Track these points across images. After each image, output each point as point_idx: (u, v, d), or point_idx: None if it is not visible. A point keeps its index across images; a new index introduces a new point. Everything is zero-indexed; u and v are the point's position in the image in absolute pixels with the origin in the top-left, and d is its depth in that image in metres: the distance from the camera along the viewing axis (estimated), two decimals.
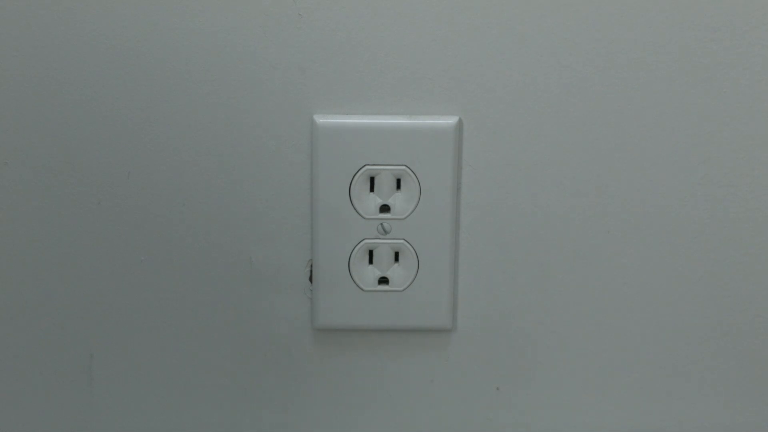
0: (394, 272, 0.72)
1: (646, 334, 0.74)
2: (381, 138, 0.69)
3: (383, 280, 0.73)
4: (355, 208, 0.71)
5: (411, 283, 0.72)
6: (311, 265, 0.72)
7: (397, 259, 0.72)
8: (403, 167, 0.70)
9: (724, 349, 0.74)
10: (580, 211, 0.72)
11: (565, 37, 0.68)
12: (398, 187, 0.71)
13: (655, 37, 0.68)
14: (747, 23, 0.68)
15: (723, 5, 0.67)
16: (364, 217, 0.71)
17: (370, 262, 0.72)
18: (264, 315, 0.74)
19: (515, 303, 0.74)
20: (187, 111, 0.70)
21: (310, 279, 0.73)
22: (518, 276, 0.73)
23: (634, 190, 0.71)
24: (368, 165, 0.70)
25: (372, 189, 0.71)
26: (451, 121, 0.69)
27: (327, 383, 0.75)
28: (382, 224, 0.71)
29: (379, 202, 0.71)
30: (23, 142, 0.70)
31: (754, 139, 0.70)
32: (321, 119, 0.69)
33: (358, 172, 0.70)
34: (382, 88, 0.69)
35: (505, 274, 0.73)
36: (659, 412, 0.76)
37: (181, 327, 0.74)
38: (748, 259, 0.72)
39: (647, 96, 0.69)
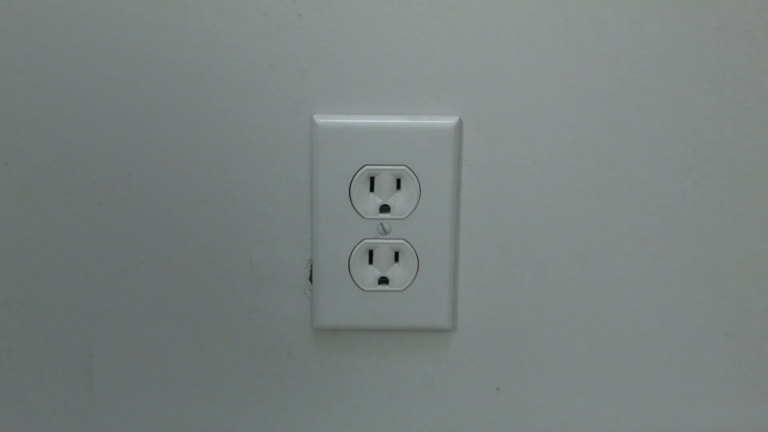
0: (394, 272, 0.72)
1: (646, 334, 0.74)
2: (381, 138, 0.69)
3: (383, 280, 0.73)
4: (355, 208, 0.71)
5: (411, 283, 0.72)
6: (311, 265, 0.72)
7: (397, 259, 0.72)
8: (403, 167, 0.70)
9: (725, 349, 0.74)
10: (580, 211, 0.72)
11: (565, 37, 0.68)
12: (398, 187, 0.71)
13: (655, 37, 0.68)
14: (747, 23, 0.68)
15: (723, 5, 0.67)
16: (364, 217, 0.71)
17: (370, 262, 0.72)
18: (264, 315, 0.74)
19: (515, 303, 0.74)
20: (187, 111, 0.70)
21: (310, 279, 0.73)
22: (518, 276, 0.73)
23: (634, 190, 0.71)
24: (368, 165, 0.70)
25: (372, 189, 0.71)
26: (451, 121, 0.69)
27: (327, 383, 0.75)
28: (382, 224, 0.71)
29: (379, 202, 0.71)
30: (23, 142, 0.70)
31: (754, 139, 0.70)
32: (321, 119, 0.69)
33: (358, 172, 0.70)
34: (382, 88, 0.69)
35: (505, 274, 0.73)
36: (659, 412, 0.76)
37: (181, 327, 0.74)
38: (748, 259, 0.72)
39: (647, 96, 0.69)
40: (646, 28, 0.68)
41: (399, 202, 0.71)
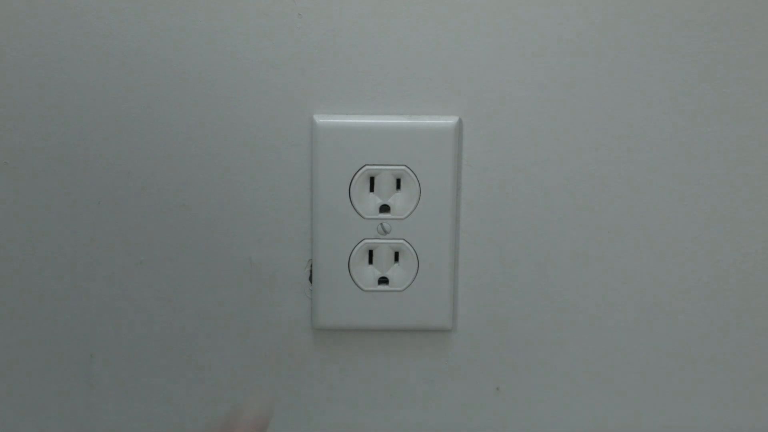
0: (394, 272, 0.72)
1: (646, 334, 0.74)
2: (381, 138, 0.69)
3: (383, 280, 0.72)
4: (355, 208, 0.71)
5: (411, 283, 0.72)
6: (311, 265, 0.72)
7: (397, 259, 0.72)
8: (403, 167, 0.70)
9: (725, 349, 0.74)
10: (580, 211, 0.72)
11: (565, 37, 0.68)
12: (398, 187, 0.71)
13: (655, 37, 0.68)
14: (747, 23, 0.68)
15: (723, 5, 0.67)
16: (364, 217, 0.71)
17: (370, 262, 0.72)
18: (264, 315, 0.74)
19: (515, 303, 0.74)
20: (187, 111, 0.70)
21: (310, 279, 0.73)
22: (518, 276, 0.73)
23: (634, 190, 0.71)
24: (368, 165, 0.70)
25: (372, 189, 0.71)
26: (451, 121, 0.69)
27: (327, 383, 0.75)
28: (382, 224, 0.71)
29: (379, 202, 0.71)
30: (23, 142, 0.70)
31: (754, 139, 0.70)
32: (321, 119, 0.69)
33: (358, 172, 0.70)
34: (382, 88, 0.69)
35: (505, 274, 0.73)
36: (659, 412, 0.76)
37: (181, 327, 0.74)
38: (748, 259, 0.72)
39: (647, 96, 0.69)
40: (646, 28, 0.68)
41: (399, 202, 0.71)
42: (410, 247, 0.71)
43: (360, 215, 0.71)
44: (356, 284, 0.72)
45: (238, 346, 0.74)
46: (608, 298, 0.73)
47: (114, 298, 0.73)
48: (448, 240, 0.71)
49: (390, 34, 0.68)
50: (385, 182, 0.70)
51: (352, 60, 0.69)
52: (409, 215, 0.71)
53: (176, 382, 0.75)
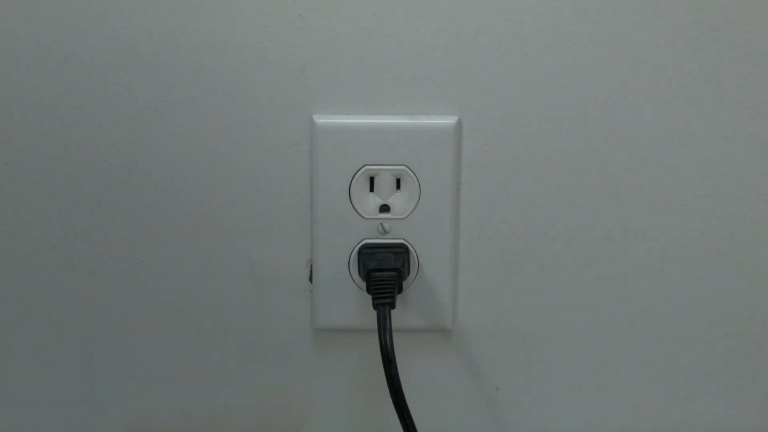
0: None
1: (646, 334, 0.74)
2: (381, 138, 0.69)
3: None
4: (355, 208, 0.71)
5: (411, 282, 0.72)
6: (311, 265, 0.72)
7: None
8: (403, 167, 0.70)
9: (725, 349, 0.74)
10: (580, 211, 0.72)
11: (565, 38, 0.68)
12: (398, 187, 0.71)
13: (655, 37, 0.68)
14: (747, 23, 0.68)
15: (723, 4, 0.67)
16: (364, 217, 0.71)
17: None
18: (264, 315, 0.74)
19: (515, 303, 0.74)
20: (187, 111, 0.70)
21: (310, 279, 0.73)
22: (518, 276, 0.73)
23: (634, 190, 0.71)
24: (368, 165, 0.70)
25: (372, 189, 0.71)
26: (451, 121, 0.69)
27: (327, 383, 0.75)
28: (382, 224, 0.71)
29: (379, 202, 0.71)
30: (23, 142, 0.70)
31: (754, 139, 0.70)
32: (321, 119, 0.69)
33: (358, 172, 0.70)
34: (382, 88, 0.69)
35: (505, 274, 0.73)
36: (659, 412, 0.76)
37: (181, 327, 0.74)
38: (748, 260, 0.72)
39: (647, 96, 0.69)
40: (646, 27, 0.68)
41: (399, 202, 0.71)
42: (410, 247, 0.71)
43: (360, 215, 0.71)
44: (356, 284, 0.72)
45: (239, 346, 0.74)
46: (608, 298, 0.73)
47: (114, 297, 0.73)
48: (448, 240, 0.71)
49: (390, 35, 0.68)
50: (385, 182, 0.70)
51: (352, 60, 0.69)
52: (409, 215, 0.71)
53: (176, 383, 0.75)
